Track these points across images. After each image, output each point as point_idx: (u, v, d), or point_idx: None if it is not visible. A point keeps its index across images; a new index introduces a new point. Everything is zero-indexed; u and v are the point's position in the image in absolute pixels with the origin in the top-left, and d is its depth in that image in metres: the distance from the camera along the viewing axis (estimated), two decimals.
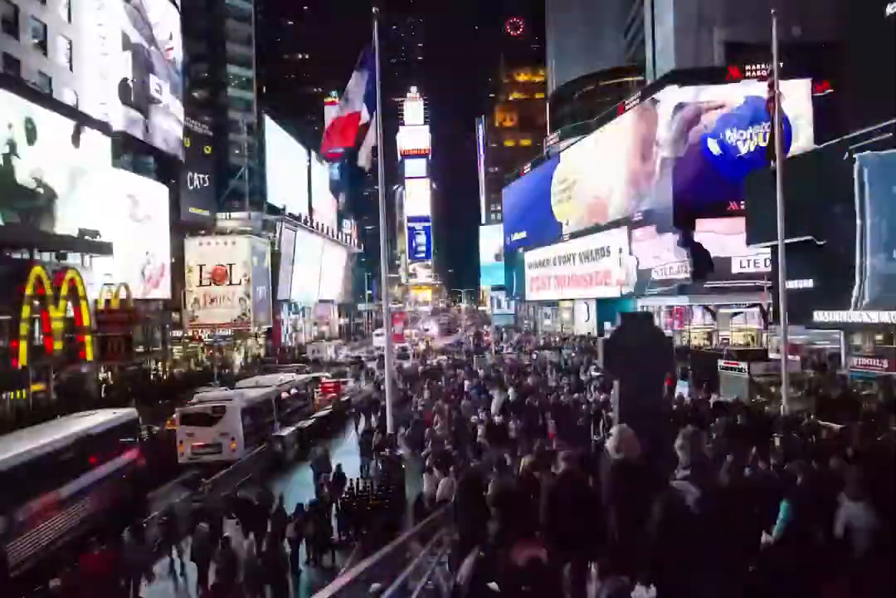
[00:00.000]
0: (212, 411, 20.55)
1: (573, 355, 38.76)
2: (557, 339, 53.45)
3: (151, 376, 39.55)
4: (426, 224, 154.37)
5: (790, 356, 17.85)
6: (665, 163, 39.50)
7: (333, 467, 16.98)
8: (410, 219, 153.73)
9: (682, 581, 3.30)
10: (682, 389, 21.27)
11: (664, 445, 6.71)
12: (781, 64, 16.25)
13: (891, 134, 19.88)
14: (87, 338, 30.67)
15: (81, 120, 32.75)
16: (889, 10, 25.03)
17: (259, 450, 21.15)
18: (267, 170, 63.48)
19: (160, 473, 19.74)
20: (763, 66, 35.42)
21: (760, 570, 3.58)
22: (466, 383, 26.20)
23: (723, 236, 35.23)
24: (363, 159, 13.26)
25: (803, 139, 34.84)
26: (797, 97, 34.45)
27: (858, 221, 20.73)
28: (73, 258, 32.02)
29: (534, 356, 41.01)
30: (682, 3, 45.63)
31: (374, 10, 13.54)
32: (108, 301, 33.11)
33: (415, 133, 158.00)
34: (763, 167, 20.86)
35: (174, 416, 21.82)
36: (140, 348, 37.71)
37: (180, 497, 16.87)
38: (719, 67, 39.78)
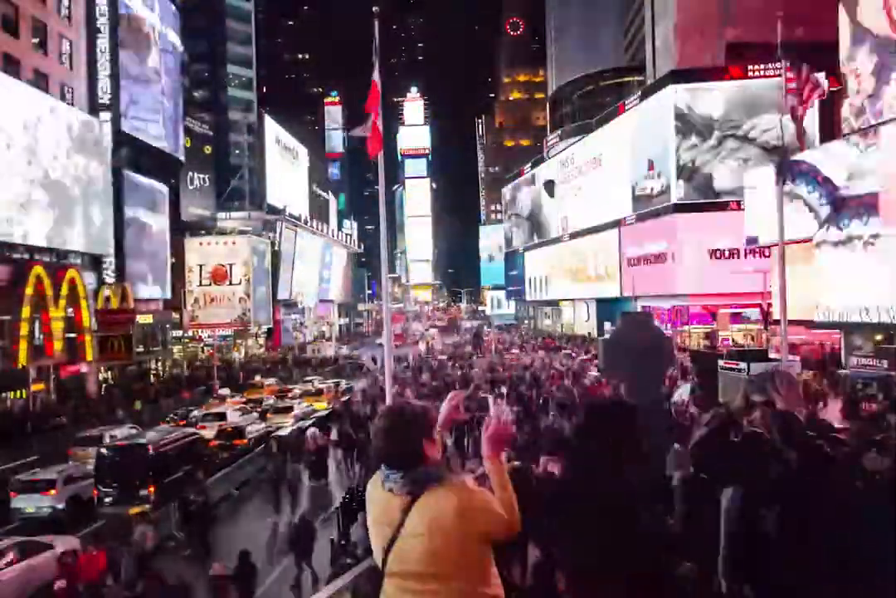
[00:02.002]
0: None
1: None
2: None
3: (152, 376, 39.59)
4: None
5: (790, 357, 17.83)
6: None
7: None
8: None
9: None
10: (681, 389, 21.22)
11: (664, 444, 6.72)
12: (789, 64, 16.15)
13: None
14: (87, 338, 30.69)
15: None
16: None
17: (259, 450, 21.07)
18: (267, 170, 63.48)
19: None
20: (764, 65, 35.52)
21: None
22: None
23: None
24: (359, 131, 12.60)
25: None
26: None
27: None
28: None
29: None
30: (682, 2, 45.58)
31: (374, 10, 13.48)
32: (108, 301, 33.13)
33: (415, 133, 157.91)
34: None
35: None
36: (140, 348, 37.71)
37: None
38: (720, 67, 39.76)
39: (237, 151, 66.10)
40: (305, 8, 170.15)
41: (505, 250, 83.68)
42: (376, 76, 11.50)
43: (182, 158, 46.46)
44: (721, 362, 22.51)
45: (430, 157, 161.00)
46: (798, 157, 25.19)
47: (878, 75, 24.29)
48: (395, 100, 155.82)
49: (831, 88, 35.57)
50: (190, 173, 49.14)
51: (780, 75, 14.75)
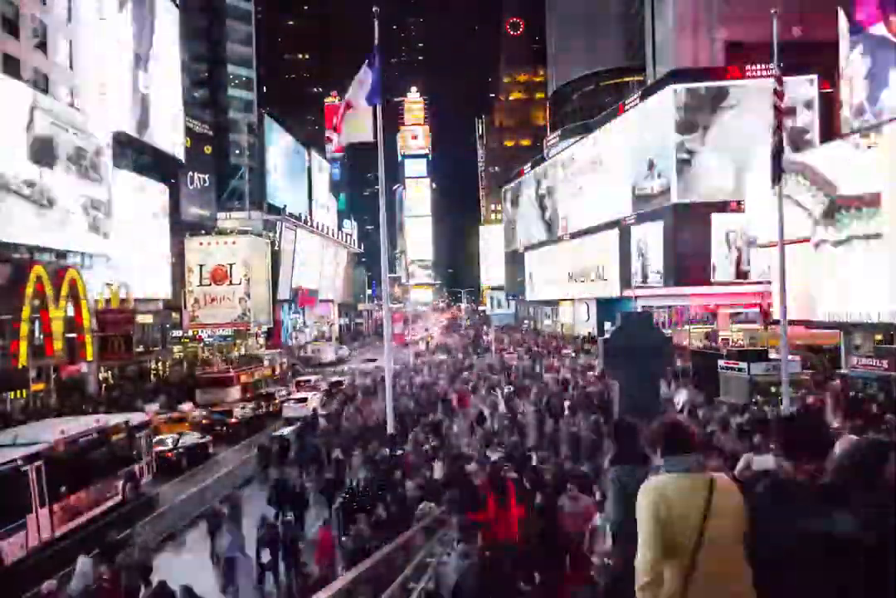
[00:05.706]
0: None
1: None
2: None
3: (152, 376, 39.59)
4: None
5: (790, 356, 17.83)
6: None
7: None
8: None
9: None
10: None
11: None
12: (782, 64, 16.18)
13: None
14: (88, 338, 30.68)
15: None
16: None
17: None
18: (267, 170, 63.45)
19: None
20: (763, 65, 35.49)
21: None
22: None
23: None
24: (335, 143, 12.89)
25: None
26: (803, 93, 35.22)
27: None
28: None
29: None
30: (682, 2, 45.60)
31: (374, 10, 13.50)
32: (108, 301, 33.14)
33: (415, 133, 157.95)
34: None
35: None
36: (140, 348, 37.69)
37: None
38: (719, 67, 39.76)
39: (237, 151, 66.08)
40: (305, 8, 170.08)
41: (505, 250, 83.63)
42: (351, 95, 11.66)
43: (182, 158, 46.45)
44: (721, 362, 22.54)
45: (430, 157, 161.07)
46: (798, 157, 25.22)
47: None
48: (395, 100, 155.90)
49: (824, 90, 35.87)
50: (190, 173, 49.09)
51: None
